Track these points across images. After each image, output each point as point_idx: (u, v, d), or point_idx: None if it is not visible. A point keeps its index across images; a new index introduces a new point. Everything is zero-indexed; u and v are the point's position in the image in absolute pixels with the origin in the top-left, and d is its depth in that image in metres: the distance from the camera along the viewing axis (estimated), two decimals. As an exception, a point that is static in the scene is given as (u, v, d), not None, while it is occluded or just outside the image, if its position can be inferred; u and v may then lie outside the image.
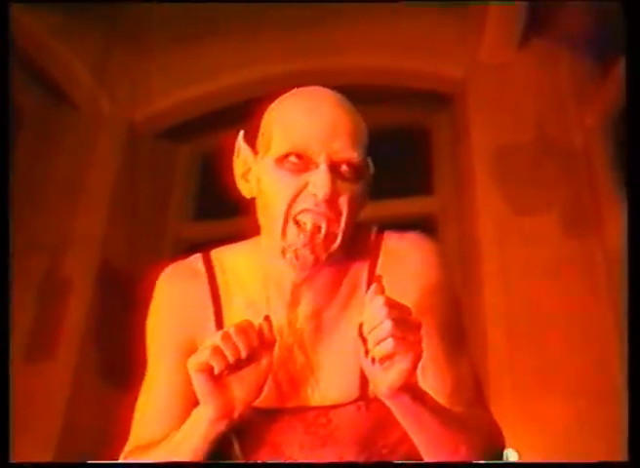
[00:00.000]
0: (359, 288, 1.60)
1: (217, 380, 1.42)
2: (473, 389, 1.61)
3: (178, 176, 5.63)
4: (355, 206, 1.54)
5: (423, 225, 5.06)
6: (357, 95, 5.25)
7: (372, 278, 1.55)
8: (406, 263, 1.60)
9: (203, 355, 1.40)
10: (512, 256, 4.24)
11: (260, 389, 1.48)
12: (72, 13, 4.93)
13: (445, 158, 5.24)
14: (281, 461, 1.57)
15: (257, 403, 1.53)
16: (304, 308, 1.60)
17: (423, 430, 1.43)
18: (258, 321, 1.48)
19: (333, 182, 1.48)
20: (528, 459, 3.72)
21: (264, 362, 1.46)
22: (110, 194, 5.04)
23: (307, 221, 1.49)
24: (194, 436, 1.46)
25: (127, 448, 1.58)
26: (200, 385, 1.42)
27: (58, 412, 4.26)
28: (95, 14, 5.05)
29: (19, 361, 4.41)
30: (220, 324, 1.61)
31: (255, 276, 1.63)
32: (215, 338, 1.41)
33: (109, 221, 4.95)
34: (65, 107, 5.31)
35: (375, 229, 1.68)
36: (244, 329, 1.43)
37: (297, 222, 1.49)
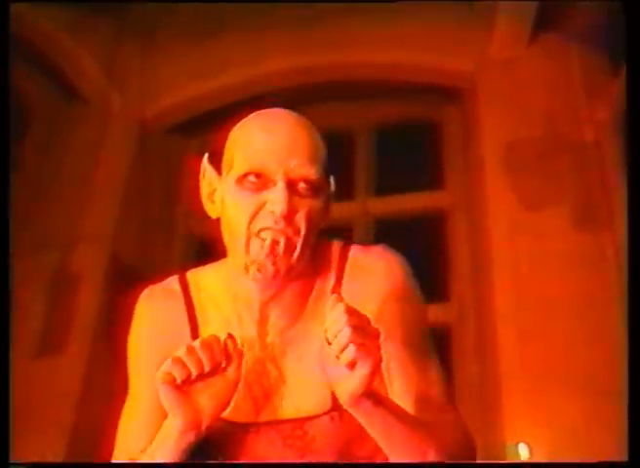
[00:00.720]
0: (326, 301, 1.57)
1: (182, 391, 1.44)
2: (442, 394, 1.62)
3: (188, 172, 5.63)
4: (313, 221, 1.58)
5: (434, 220, 5.06)
6: (367, 90, 5.26)
7: (338, 291, 1.60)
8: (371, 275, 1.64)
9: (166, 365, 1.42)
10: (523, 251, 4.23)
11: (228, 401, 1.50)
12: (82, 9, 4.95)
13: (455, 153, 5.24)
14: None
15: (235, 418, 1.58)
16: (273, 324, 1.64)
17: (390, 435, 1.43)
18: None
19: (289, 199, 1.52)
20: (538, 453, 3.73)
21: (232, 374, 1.48)
22: (120, 190, 5.05)
23: (267, 238, 1.53)
24: (166, 447, 1.48)
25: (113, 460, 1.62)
26: (165, 396, 1.44)
27: (68, 408, 4.27)
28: (105, 11, 5.06)
29: (29, 356, 4.43)
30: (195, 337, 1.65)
31: (226, 295, 1.67)
32: (180, 351, 1.44)
33: (119, 218, 4.96)
34: (75, 103, 5.33)
35: (340, 244, 1.72)
36: (209, 344, 1.45)
37: (258, 238, 1.54)
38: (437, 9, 4.90)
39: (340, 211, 5.20)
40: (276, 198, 1.52)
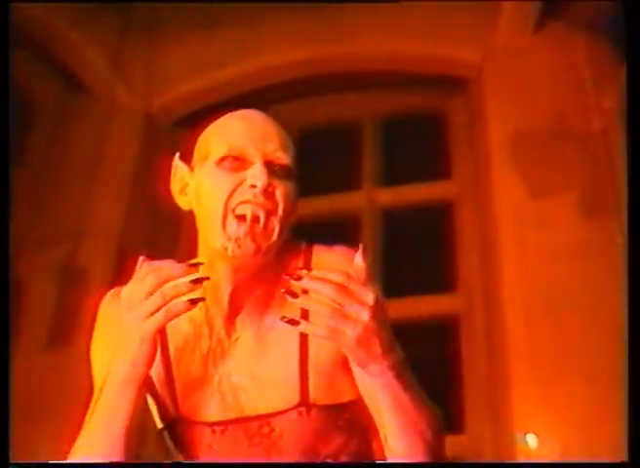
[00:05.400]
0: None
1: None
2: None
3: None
4: (290, 201, 1.61)
5: (441, 210, 5.06)
6: (373, 81, 5.25)
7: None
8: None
9: (158, 319, 1.44)
10: (530, 240, 4.23)
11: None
12: (88, 3, 4.95)
13: (462, 142, 5.23)
14: None
15: (202, 417, 1.63)
16: (241, 319, 1.65)
17: (400, 410, 1.46)
18: (198, 334, 1.64)
19: (269, 176, 1.57)
20: (546, 442, 3.72)
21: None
22: (127, 183, 5.06)
23: (247, 212, 1.55)
24: (110, 402, 1.50)
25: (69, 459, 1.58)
26: (149, 349, 1.46)
27: (78, 400, 4.29)
28: (110, 3, 5.06)
29: (38, 349, 4.45)
30: (163, 339, 1.65)
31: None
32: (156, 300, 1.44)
33: (128, 210, 4.97)
34: (81, 96, 5.33)
35: (304, 244, 1.74)
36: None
37: (236, 217, 1.55)
38: (443, -1, 4.89)
39: (348, 201, 5.22)
40: (256, 173, 1.56)
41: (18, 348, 4.37)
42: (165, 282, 1.44)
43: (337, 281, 1.37)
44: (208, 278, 1.49)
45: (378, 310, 1.37)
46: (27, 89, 5.13)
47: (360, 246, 1.46)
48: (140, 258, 1.56)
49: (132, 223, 4.96)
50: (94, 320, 4.43)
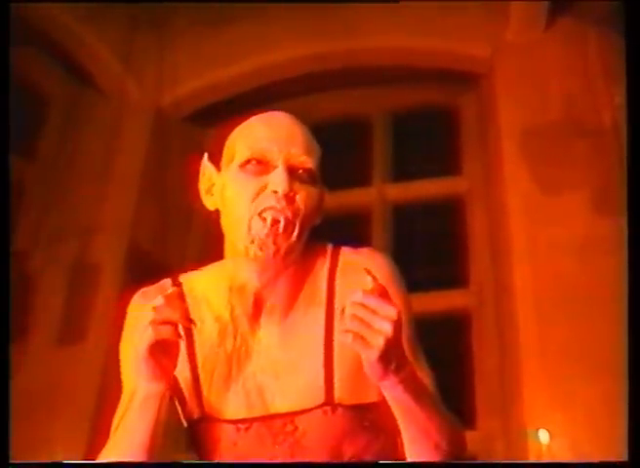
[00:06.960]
0: (318, 296, 1.68)
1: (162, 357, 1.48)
2: (433, 387, 1.66)
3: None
4: (312, 205, 1.64)
5: (452, 205, 5.05)
6: (383, 76, 5.26)
7: (332, 286, 1.67)
8: (362, 273, 1.63)
9: (148, 335, 1.44)
10: (541, 236, 4.22)
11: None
12: (96, 1, 4.96)
13: (473, 138, 5.22)
14: None
15: (226, 415, 1.64)
16: (266, 317, 1.67)
17: (413, 422, 1.49)
18: (223, 333, 1.64)
19: (290, 181, 1.59)
20: (557, 438, 3.71)
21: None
22: (138, 179, 5.06)
23: (267, 217, 1.57)
24: (134, 414, 1.52)
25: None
26: (148, 367, 1.47)
27: (90, 396, 4.30)
28: (120, 2, 5.06)
29: (50, 345, 4.46)
30: (189, 339, 1.67)
31: (220, 291, 1.70)
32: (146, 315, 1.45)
33: (138, 206, 4.97)
34: (92, 93, 5.34)
35: (331, 245, 1.76)
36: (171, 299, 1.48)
37: (260, 219, 1.58)
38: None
39: (358, 197, 5.21)
40: (277, 178, 1.58)
41: (28, 345, 4.39)
42: (168, 306, 1.46)
43: (354, 301, 1.38)
44: (196, 324, 1.52)
45: (399, 325, 1.38)
46: (39, 85, 5.14)
47: (367, 274, 1.44)
48: (168, 279, 1.64)
49: (142, 219, 4.97)
50: (104, 316, 4.44)
